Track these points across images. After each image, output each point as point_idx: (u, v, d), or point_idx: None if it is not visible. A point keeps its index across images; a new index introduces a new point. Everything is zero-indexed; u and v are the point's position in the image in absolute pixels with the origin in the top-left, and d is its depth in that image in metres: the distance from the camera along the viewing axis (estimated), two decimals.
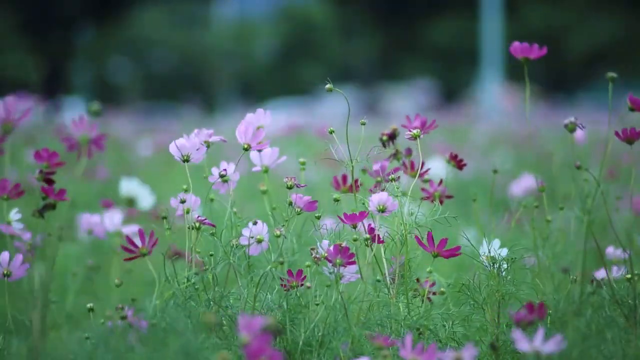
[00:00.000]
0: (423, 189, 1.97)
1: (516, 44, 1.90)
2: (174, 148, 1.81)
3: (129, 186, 2.54)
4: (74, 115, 1.73)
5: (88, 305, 1.81)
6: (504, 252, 1.80)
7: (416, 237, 1.76)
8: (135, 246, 1.79)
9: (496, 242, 1.81)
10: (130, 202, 2.53)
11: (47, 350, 1.60)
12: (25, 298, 1.72)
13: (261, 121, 1.89)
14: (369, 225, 1.77)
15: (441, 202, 1.94)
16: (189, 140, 1.83)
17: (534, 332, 1.52)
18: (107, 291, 2.62)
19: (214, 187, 1.85)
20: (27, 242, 1.83)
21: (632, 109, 1.81)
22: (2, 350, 1.72)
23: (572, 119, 1.86)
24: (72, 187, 1.79)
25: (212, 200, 1.86)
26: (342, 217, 1.76)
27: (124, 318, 1.70)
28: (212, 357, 1.54)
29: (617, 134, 1.82)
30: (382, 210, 1.78)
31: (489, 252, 1.80)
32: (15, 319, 1.80)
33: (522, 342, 1.49)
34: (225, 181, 1.85)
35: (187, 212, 1.80)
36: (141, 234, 1.79)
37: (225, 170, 1.83)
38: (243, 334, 1.42)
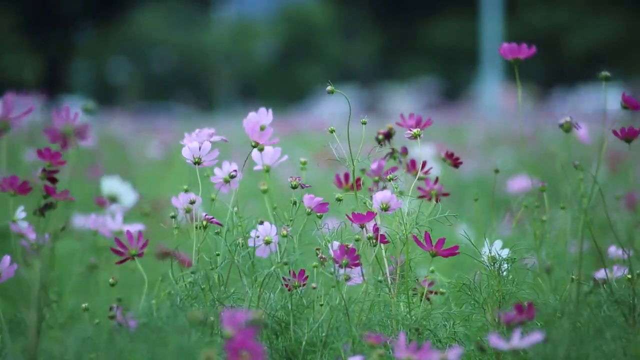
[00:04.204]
0: (419, 188, 1.96)
1: (505, 45, 1.89)
2: (187, 152, 1.80)
3: (111, 185, 2.56)
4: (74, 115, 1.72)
5: (83, 305, 1.81)
6: (505, 252, 1.80)
7: (414, 236, 1.75)
8: (125, 248, 1.77)
9: (498, 243, 1.80)
10: (113, 200, 2.54)
11: (44, 350, 1.59)
12: (23, 298, 1.72)
13: (263, 120, 1.89)
14: (374, 225, 1.77)
15: (437, 200, 1.94)
16: (197, 140, 1.82)
17: (529, 332, 1.52)
18: (108, 290, 2.62)
19: (216, 186, 1.85)
20: (33, 242, 1.82)
21: (625, 108, 1.81)
22: None
23: (568, 119, 1.85)
24: (70, 185, 1.79)
25: (213, 200, 1.86)
26: (351, 217, 1.75)
27: (112, 318, 1.69)
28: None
29: (615, 132, 1.82)
30: (386, 209, 1.77)
31: (490, 252, 1.79)
32: (13, 319, 1.80)
33: (499, 342, 1.50)
34: (227, 182, 1.84)
35: (188, 212, 1.80)
36: (129, 235, 1.78)
37: (235, 171, 1.83)
38: (227, 329, 1.40)
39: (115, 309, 1.71)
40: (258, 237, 1.76)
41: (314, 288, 1.74)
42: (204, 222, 1.75)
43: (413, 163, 1.97)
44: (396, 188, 1.78)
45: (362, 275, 1.76)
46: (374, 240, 1.75)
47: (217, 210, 1.86)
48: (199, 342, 1.56)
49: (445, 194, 1.97)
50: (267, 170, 1.92)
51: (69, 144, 1.58)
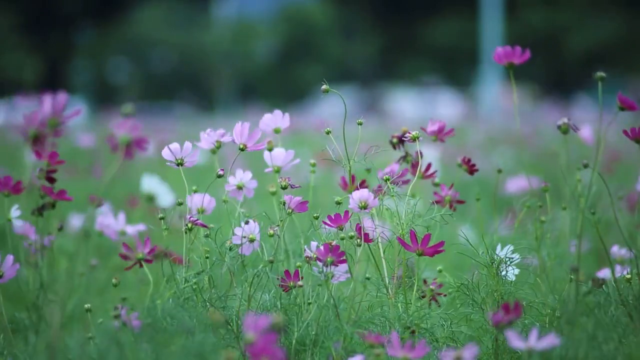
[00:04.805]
0: (435, 193, 1.95)
1: (499, 50, 1.87)
2: (167, 152, 1.77)
3: (150, 183, 2.49)
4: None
5: (86, 306, 1.80)
6: (504, 252, 1.79)
7: (398, 237, 1.75)
8: (132, 252, 1.76)
9: (508, 246, 1.79)
10: (150, 200, 2.50)
11: (62, 347, 1.59)
12: (21, 298, 1.72)
13: (278, 123, 1.87)
14: (357, 224, 1.76)
15: (451, 206, 1.93)
16: (209, 141, 1.81)
17: (527, 331, 1.52)
18: (110, 290, 2.62)
19: (231, 194, 1.84)
20: (34, 242, 1.82)
21: (622, 108, 1.80)
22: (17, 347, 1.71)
23: (565, 120, 1.85)
24: (69, 186, 1.79)
25: (225, 201, 1.85)
26: (327, 221, 1.74)
27: (117, 317, 1.69)
28: (210, 357, 1.53)
29: (625, 132, 1.81)
30: (364, 207, 1.76)
31: (488, 251, 1.79)
32: (15, 318, 1.80)
33: (516, 341, 1.49)
34: (240, 188, 1.83)
35: (202, 212, 1.79)
36: (137, 240, 1.77)
37: (222, 170, 1.81)
38: (249, 333, 1.40)
39: (120, 308, 1.71)
40: (244, 236, 1.76)
41: (301, 286, 1.74)
42: (190, 225, 1.74)
43: (416, 165, 1.96)
44: (392, 189, 1.77)
45: (350, 272, 1.75)
46: (358, 240, 1.74)
47: (225, 210, 1.86)
48: (204, 343, 1.56)
49: (461, 202, 1.96)
50: (278, 171, 1.90)
51: (130, 154, 1.56)
